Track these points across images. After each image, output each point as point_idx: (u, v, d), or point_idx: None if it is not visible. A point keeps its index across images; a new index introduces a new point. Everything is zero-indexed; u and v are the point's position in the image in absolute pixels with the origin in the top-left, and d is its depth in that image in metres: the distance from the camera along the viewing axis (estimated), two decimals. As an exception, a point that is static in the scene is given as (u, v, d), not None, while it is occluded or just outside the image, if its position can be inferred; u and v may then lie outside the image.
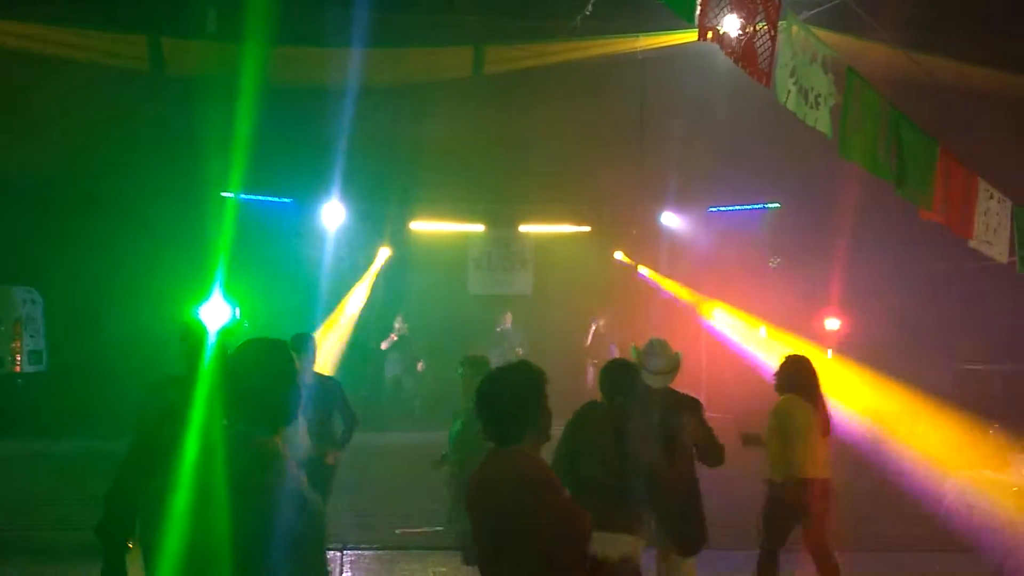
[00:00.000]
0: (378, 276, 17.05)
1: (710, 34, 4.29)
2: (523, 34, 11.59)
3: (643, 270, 17.89)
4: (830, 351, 17.40)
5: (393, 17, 11.54)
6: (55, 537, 9.63)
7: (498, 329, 16.72)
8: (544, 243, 17.87)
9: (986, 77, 10.91)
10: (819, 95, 4.81)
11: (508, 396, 3.55)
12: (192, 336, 4.74)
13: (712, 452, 5.77)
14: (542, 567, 3.37)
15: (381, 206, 16.68)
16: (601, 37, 11.42)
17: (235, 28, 10.07)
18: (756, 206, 17.44)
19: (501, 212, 17.49)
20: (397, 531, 9.41)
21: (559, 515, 3.40)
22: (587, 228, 17.90)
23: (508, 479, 3.46)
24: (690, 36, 10.48)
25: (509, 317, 16.80)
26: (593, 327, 16.72)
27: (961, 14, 11.09)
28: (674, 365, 5.93)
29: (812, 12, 8.83)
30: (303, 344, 7.05)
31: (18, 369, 15.97)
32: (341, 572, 7.94)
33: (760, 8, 4.26)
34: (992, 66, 10.80)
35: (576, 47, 11.00)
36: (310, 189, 15.63)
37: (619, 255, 17.86)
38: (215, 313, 13.07)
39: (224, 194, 13.70)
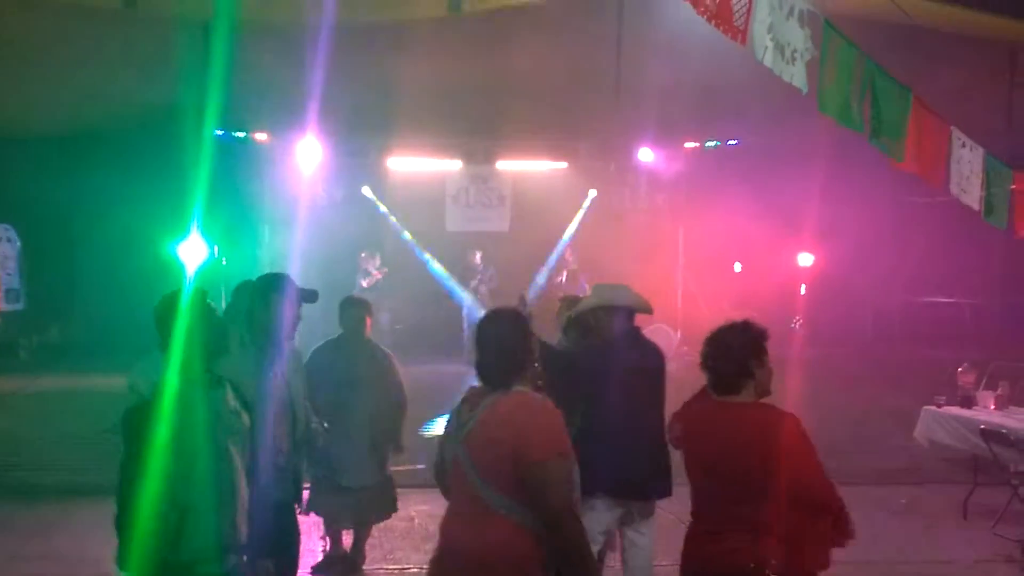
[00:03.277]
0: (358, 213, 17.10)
1: (686, -9, 4.30)
2: (501, -28, 11.46)
3: (592, 192, 17.96)
4: (803, 285, 17.64)
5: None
6: (33, 477, 9.73)
7: (478, 264, 16.76)
8: (521, 179, 17.87)
9: (960, 16, 10.94)
10: (795, 50, 4.84)
11: (737, 351, 3.96)
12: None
13: None
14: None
15: (357, 142, 16.59)
16: (579, -25, 11.32)
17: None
18: (732, 142, 17.51)
19: (478, 148, 17.46)
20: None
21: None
22: (564, 164, 17.90)
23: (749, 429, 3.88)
24: (668, -25, 10.40)
25: (479, 254, 16.82)
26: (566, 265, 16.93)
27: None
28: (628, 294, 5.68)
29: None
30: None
31: (-4, 307, 15.96)
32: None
33: (738, -36, 4.28)
34: (965, 5, 10.85)
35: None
36: (286, 125, 15.52)
37: (593, 192, 17.89)
38: (193, 251, 13.12)
39: (208, 131, 13.58)
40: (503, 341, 3.65)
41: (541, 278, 17.25)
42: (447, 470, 3.73)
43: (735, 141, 17.51)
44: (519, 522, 3.44)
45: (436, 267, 17.37)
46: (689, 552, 4.06)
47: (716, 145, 17.63)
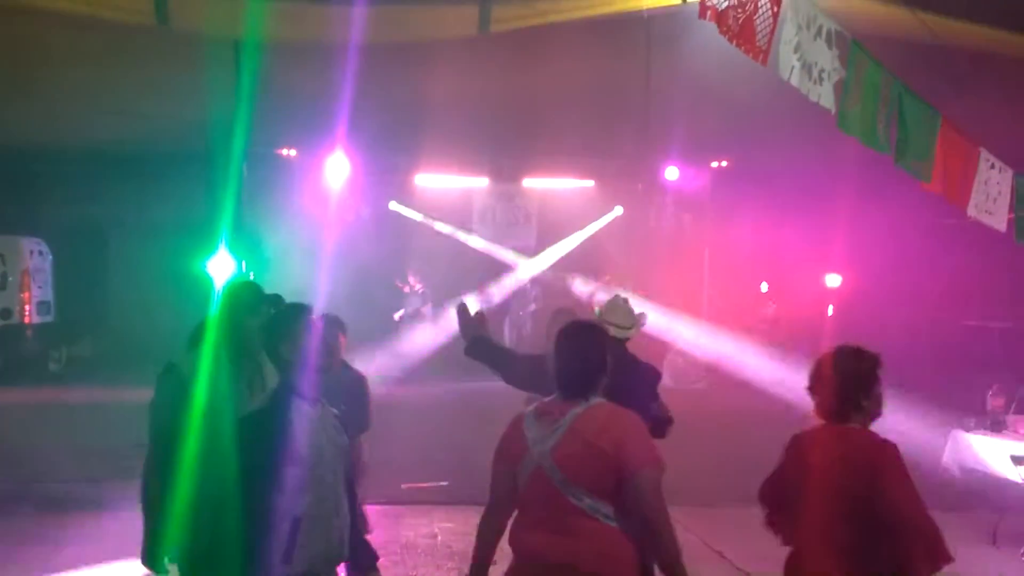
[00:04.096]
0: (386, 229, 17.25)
1: (710, 12, 4.30)
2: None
3: (618, 209, 17.97)
4: (831, 306, 17.53)
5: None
6: (62, 488, 9.78)
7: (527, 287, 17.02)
8: (548, 197, 17.95)
9: (988, 36, 10.88)
10: (823, 70, 4.84)
11: (845, 380, 3.86)
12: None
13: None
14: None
15: (385, 159, 16.72)
16: (607, -4, 11.36)
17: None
18: (758, 162, 17.44)
19: (504, 166, 17.56)
20: (403, 486, 9.57)
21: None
22: (591, 182, 17.96)
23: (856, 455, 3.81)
24: (694, -3, 10.39)
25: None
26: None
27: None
28: (632, 322, 5.41)
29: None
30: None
31: (27, 320, 16.12)
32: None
33: (765, -17, 4.29)
34: (994, 25, 10.79)
35: (582, 5, 10.97)
36: (315, 142, 15.65)
37: (619, 209, 17.92)
38: (221, 266, 13.22)
39: (237, 147, 13.74)
40: (585, 353, 3.68)
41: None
42: (518, 484, 3.67)
43: (761, 161, 17.47)
44: (619, 527, 3.51)
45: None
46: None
47: (742, 165, 17.60)
